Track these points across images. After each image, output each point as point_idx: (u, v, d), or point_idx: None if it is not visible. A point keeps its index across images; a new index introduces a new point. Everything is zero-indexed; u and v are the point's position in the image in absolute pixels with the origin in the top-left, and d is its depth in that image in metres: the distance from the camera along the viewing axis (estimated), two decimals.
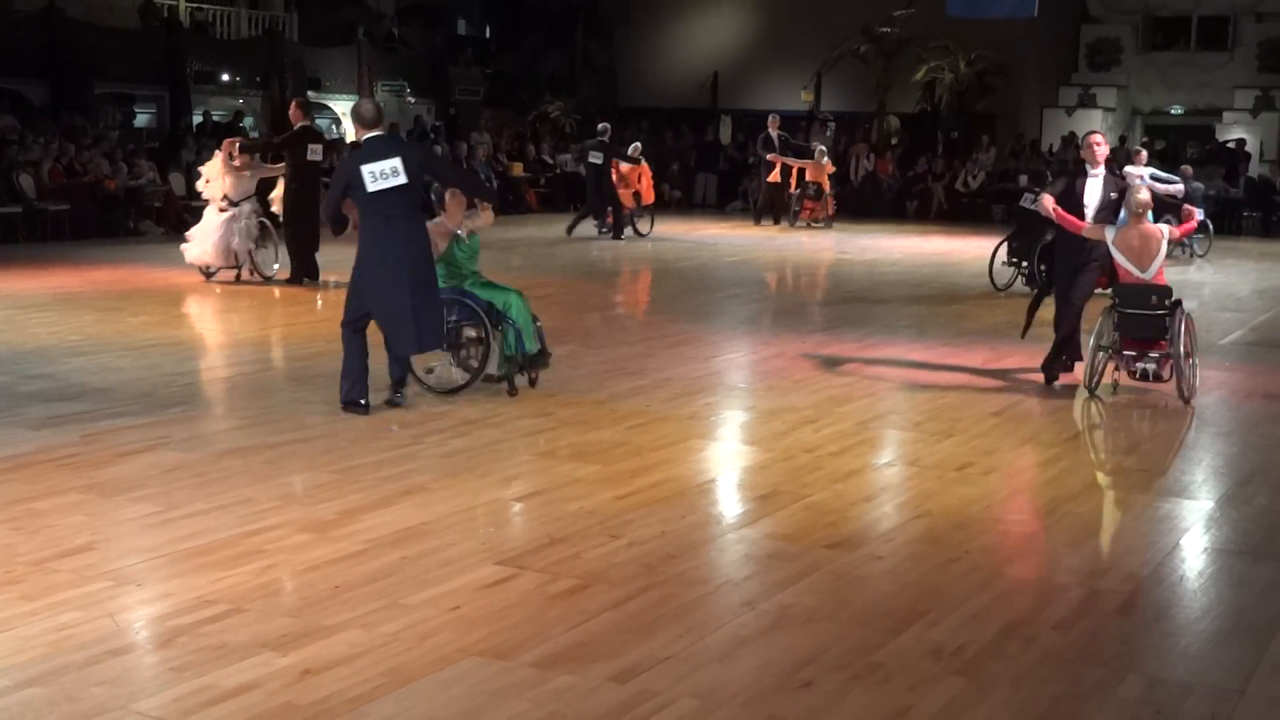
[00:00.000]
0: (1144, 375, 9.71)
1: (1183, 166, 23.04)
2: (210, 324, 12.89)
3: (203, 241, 15.33)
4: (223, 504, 6.71)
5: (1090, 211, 10.00)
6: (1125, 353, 9.73)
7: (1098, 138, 10.25)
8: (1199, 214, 10.61)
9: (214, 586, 5.51)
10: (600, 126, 23.20)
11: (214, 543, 6.09)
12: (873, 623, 5.32)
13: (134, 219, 22.50)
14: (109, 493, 6.89)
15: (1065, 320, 10.24)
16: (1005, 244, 16.27)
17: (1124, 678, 4.87)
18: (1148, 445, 8.63)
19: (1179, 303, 9.70)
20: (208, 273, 15.60)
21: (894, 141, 32.37)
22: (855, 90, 32.75)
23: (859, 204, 29.81)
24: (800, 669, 4.84)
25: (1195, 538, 6.72)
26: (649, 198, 23.92)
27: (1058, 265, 10.44)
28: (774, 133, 25.87)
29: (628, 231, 22.99)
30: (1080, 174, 10.18)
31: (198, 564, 5.79)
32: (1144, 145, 27.71)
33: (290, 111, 15.79)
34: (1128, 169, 21.55)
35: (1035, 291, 12.28)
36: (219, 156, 15.35)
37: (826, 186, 26.04)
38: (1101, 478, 7.90)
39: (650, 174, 24.38)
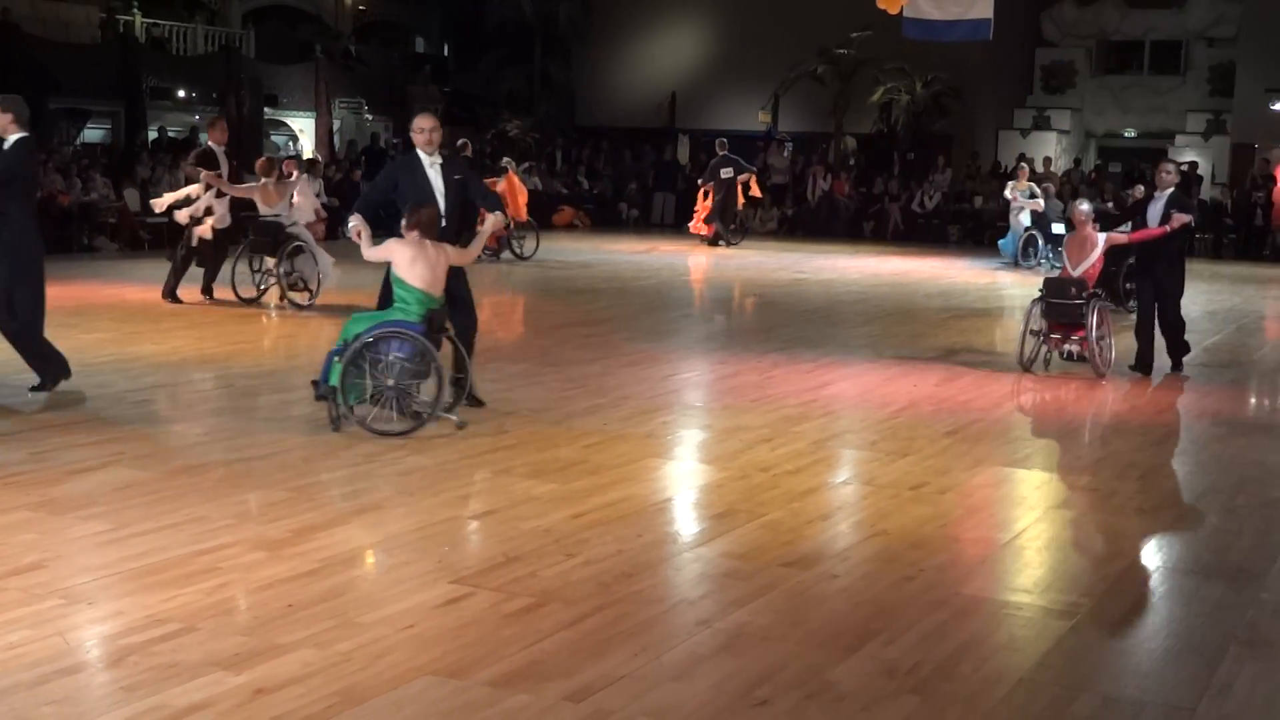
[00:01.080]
0: (1068, 356, 11.76)
1: (1043, 186, 24.20)
2: (165, 341, 12.79)
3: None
4: (175, 522, 6.66)
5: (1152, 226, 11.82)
6: (1052, 335, 11.70)
7: (1169, 167, 12.36)
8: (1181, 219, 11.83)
9: (166, 605, 5.46)
10: (459, 142, 22.24)
11: (166, 561, 6.04)
12: (828, 642, 5.33)
13: (88, 235, 22.35)
14: (59, 510, 6.82)
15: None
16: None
17: (1077, 696, 4.90)
18: (1100, 465, 8.69)
19: (1095, 294, 11.60)
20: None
21: (851, 162, 32.55)
22: (812, 111, 32.92)
23: (816, 224, 29.96)
24: (756, 688, 4.85)
25: (1147, 557, 6.78)
26: (520, 215, 22.47)
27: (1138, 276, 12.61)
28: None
29: (505, 254, 22.07)
30: (1149, 197, 12.41)
31: (149, 582, 5.74)
32: (1095, 167, 28.05)
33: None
34: (1009, 184, 22.49)
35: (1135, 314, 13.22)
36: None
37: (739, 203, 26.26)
38: (1055, 497, 7.95)
39: (525, 190, 23.64)
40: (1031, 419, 10.49)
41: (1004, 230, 23.88)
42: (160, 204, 15.95)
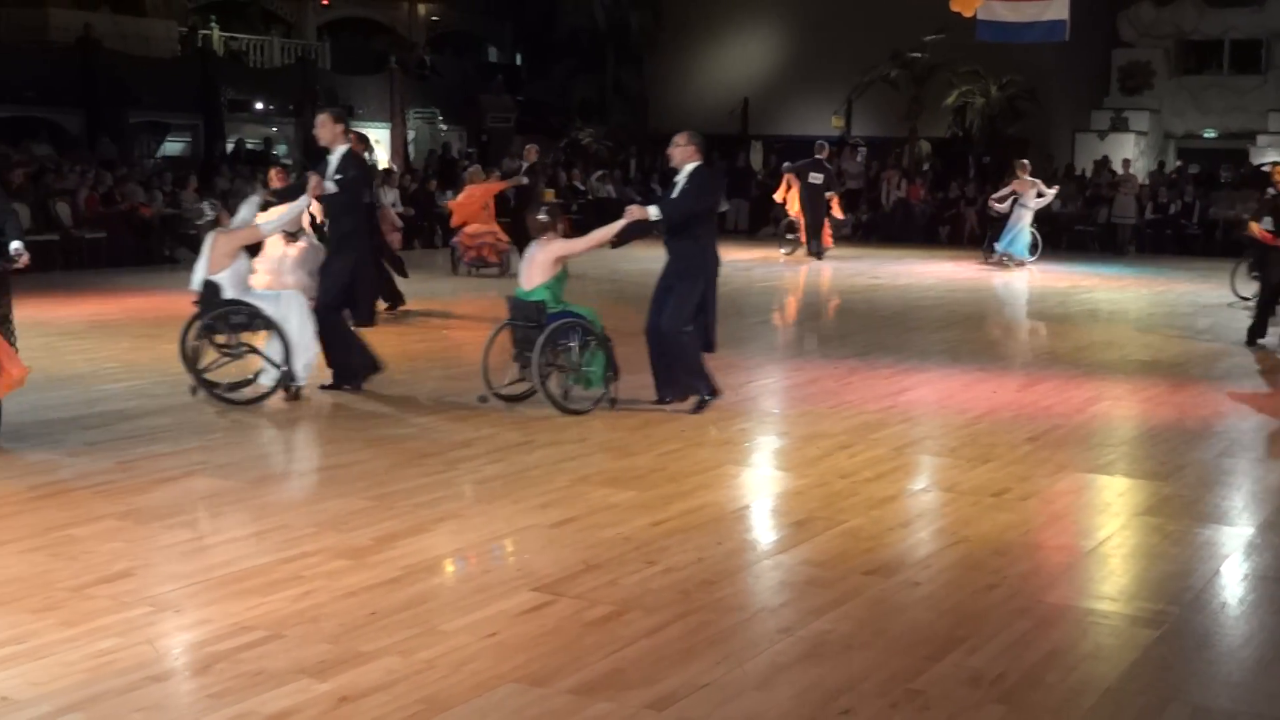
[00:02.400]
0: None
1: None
2: None
3: None
4: (259, 530, 6.73)
5: None
6: None
7: None
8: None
9: (251, 612, 5.52)
10: (525, 148, 21.56)
11: (251, 569, 6.11)
12: (911, 650, 5.29)
13: (169, 246, 22.67)
14: (146, 519, 6.91)
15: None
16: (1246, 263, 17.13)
17: (1166, 706, 4.83)
18: (1185, 470, 8.56)
19: None
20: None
21: (925, 167, 32.35)
22: (886, 115, 32.76)
23: (891, 229, 29.78)
24: (838, 696, 4.82)
25: (1235, 564, 6.66)
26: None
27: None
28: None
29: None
30: None
31: (235, 590, 5.81)
32: (1176, 169, 27.71)
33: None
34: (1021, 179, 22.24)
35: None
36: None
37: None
38: (1139, 503, 7.83)
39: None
40: (1114, 424, 10.36)
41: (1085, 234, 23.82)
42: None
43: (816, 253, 24.19)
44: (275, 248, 13.69)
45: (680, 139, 10.02)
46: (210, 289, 10.03)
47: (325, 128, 10.43)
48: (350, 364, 10.54)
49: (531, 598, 5.79)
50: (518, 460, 8.37)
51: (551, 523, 7.07)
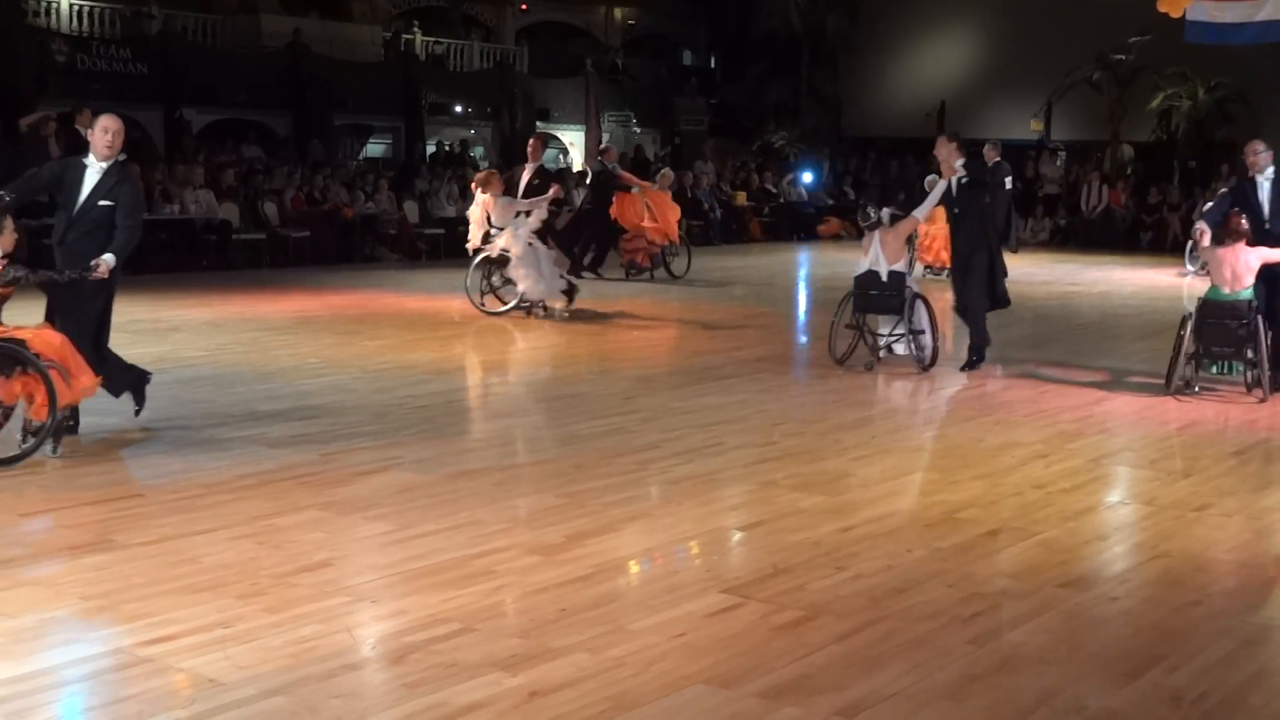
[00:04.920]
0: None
1: None
2: (442, 349, 13.21)
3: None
4: (453, 525, 6.87)
5: None
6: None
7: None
8: None
9: (445, 605, 5.64)
10: (601, 147, 20.68)
11: (445, 562, 6.23)
12: (1108, 666, 5.16)
13: (369, 245, 23.27)
14: (346, 511, 7.11)
15: None
16: None
17: None
18: None
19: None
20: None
21: (1128, 171, 31.52)
22: (1087, 118, 32.01)
23: (1090, 235, 29.10)
24: (1031, 711, 4.72)
25: None
26: (671, 235, 20.84)
27: None
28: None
29: (659, 271, 20.77)
30: None
31: (430, 583, 5.93)
32: None
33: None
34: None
35: None
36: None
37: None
38: None
39: (675, 207, 21.14)
40: None
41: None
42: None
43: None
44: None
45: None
46: (895, 278, 11.83)
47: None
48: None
49: (720, 599, 5.80)
50: (706, 462, 8.40)
51: (740, 525, 7.08)
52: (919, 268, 19.22)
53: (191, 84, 25.81)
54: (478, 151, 30.61)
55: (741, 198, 30.46)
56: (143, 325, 14.26)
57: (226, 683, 4.77)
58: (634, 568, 6.36)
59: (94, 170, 8.56)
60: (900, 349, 12.07)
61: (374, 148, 31.26)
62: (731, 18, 37.99)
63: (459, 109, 31.73)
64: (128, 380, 9.09)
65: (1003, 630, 5.52)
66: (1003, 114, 33.43)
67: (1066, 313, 17.21)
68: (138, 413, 9.10)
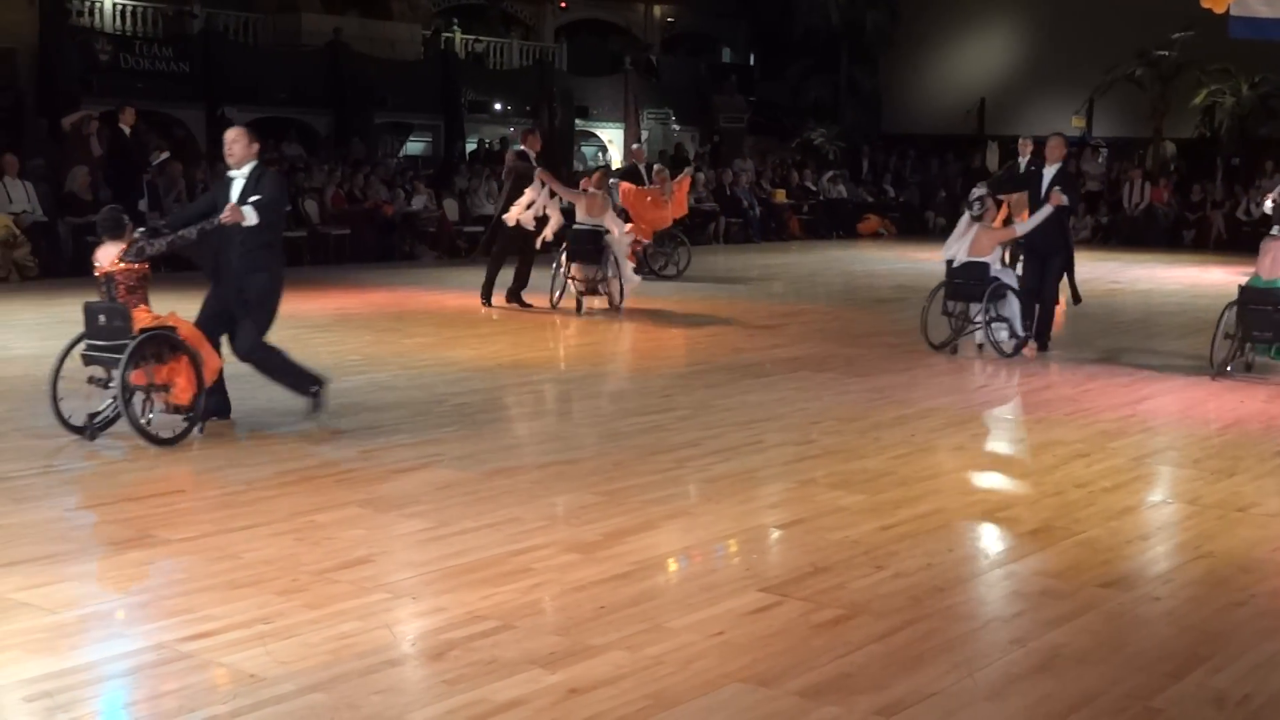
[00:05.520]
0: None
1: None
2: (482, 346, 13.23)
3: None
4: (492, 522, 6.87)
5: None
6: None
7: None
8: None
9: (484, 602, 5.64)
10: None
11: (484, 559, 6.24)
12: (1151, 667, 5.11)
13: (409, 243, 23.34)
14: (385, 508, 7.13)
15: None
16: None
17: None
18: None
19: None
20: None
21: (1171, 168, 31.27)
22: (1129, 115, 31.79)
23: (1132, 233, 28.89)
24: (1073, 711, 4.69)
25: None
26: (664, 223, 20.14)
27: None
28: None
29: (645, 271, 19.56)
30: None
31: (469, 580, 5.94)
32: None
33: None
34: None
35: None
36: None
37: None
38: None
39: (661, 203, 20.01)
40: None
41: None
42: (511, 216, 15.76)
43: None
44: None
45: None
46: (977, 268, 12.50)
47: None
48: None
49: (759, 598, 5.78)
50: (745, 460, 8.38)
51: (779, 523, 7.06)
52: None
53: (233, 83, 25.95)
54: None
55: (781, 195, 30.38)
56: None
57: (267, 678, 4.79)
58: (672, 566, 6.35)
59: (238, 178, 9.07)
60: (980, 337, 12.78)
61: (413, 146, 31.34)
62: (771, 15, 37.91)
63: (498, 107, 31.78)
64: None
65: (1044, 630, 5.48)
66: (1043, 111, 33.20)
67: (1108, 311, 17.09)
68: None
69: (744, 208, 28.73)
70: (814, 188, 31.46)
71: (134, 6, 26.78)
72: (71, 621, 5.35)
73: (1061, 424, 9.71)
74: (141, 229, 8.97)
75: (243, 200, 8.87)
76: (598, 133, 34.11)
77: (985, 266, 12.45)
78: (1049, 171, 12.90)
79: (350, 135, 26.87)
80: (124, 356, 8.16)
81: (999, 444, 9.31)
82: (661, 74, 35.69)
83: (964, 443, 9.14)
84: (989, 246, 12.57)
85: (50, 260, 18.47)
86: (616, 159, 32.46)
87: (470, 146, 29.93)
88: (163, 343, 8.41)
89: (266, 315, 9.16)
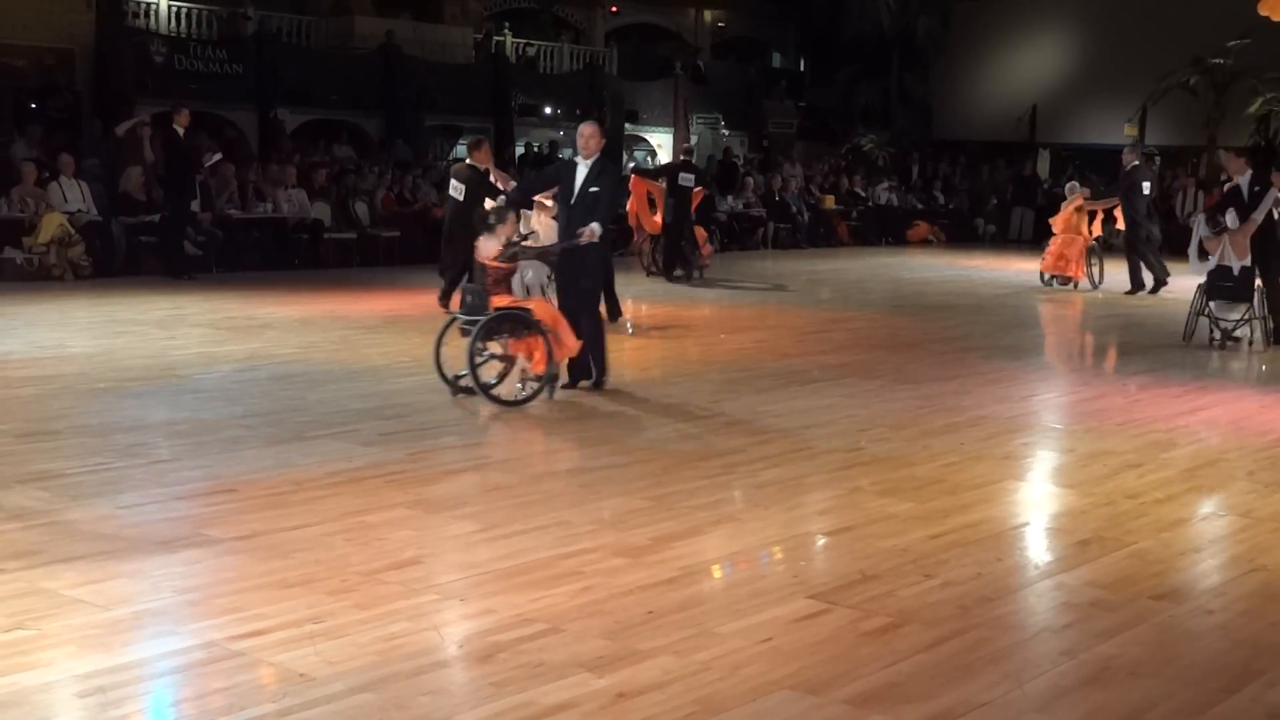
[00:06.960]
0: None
1: None
2: None
3: None
4: (540, 525, 6.89)
5: None
6: None
7: None
8: None
9: (532, 605, 5.65)
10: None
11: (532, 563, 6.25)
12: (1203, 681, 5.07)
13: None
14: (434, 509, 7.16)
15: None
16: None
17: None
18: None
19: None
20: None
21: (1224, 178, 30.97)
22: (1183, 123, 31.54)
23: (1184, 241, 28.60)
24: None
25: None
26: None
27: None
28: None
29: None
30: None
31: (517, 583, 5.95)
32: None
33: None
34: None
35: None
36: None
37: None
38: None
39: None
40: None
41: None
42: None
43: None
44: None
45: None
46: (1245, 273, 13.99)
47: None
48: None
49: (807, 605, 5.77)
50: (794, 466, 8.36)
51: (827, 530, 7.04)
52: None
53: (285, 85, 26.15)
54: (566, 154, 30.72)
55: (830, 201, 30.32)
56: (235, 322, 14.46)
57: (316, 678, 4.81)
58: (720, 571, 6.35)
59: (583, 167, 10.63)
60: (1243, 333, 14.26)
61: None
62: (821, 20, 37.86)
63: (548, 110, 31.86)
64: (596, 355, 10.77)
65: (1094, 642, 5.44)
66: (1096, 119, 33.03)
67: (1159, 320, 16.95)
68: (599, 383, 10.79)
69: (792, 213, 28.69)
70: (863, 194, 31.38)
71: (189, 9, 27.03)
72: (124, 618, 5.40)
73: (1112, 434, 9.64)
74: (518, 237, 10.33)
75: (585, 186, 10.45)
76: (647, 137, 34.13)
77: (1252, 270, 13.99)
78: (1243, 181, 14.38)
79: (401, 138, 27.01)
80: (476, 329, 9.74)
81: (1049, 453, 9.25)
82: (711, 78, 35.68)
83: (1013, 451, 9.09)
84: (1244, 245, 13.96)
85: (104, 259, 18.67)
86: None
87: (520, 150, 30.00)
88: (516, 321, 9.87)
89: (598, 286, 11.00)
